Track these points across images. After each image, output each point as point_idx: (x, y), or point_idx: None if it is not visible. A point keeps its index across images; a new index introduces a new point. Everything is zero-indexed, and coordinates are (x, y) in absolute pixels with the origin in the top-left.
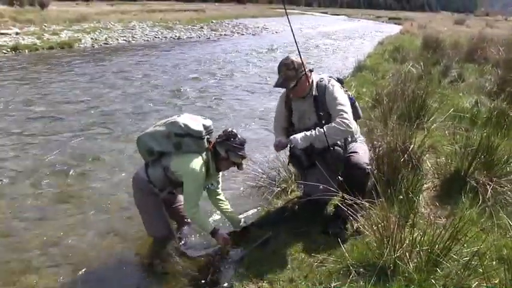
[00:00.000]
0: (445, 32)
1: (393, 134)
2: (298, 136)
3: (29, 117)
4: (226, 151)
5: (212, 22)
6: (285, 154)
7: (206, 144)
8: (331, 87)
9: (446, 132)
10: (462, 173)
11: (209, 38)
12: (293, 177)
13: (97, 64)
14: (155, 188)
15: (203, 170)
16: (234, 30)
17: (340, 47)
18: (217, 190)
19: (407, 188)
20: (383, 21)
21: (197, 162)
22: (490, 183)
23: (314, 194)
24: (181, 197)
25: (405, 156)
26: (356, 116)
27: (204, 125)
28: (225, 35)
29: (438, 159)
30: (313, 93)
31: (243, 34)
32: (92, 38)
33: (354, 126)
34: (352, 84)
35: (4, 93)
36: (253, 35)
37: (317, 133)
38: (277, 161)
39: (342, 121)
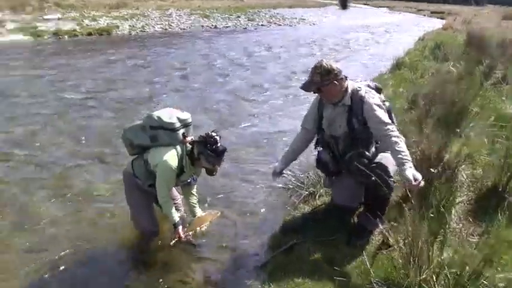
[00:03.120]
0: (491, 28)
1: (428, 141)
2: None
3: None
4: (198, 153)
5: (249, 12)
6: (315, 156)
7: (180, 137)
8: (370, 100)
9: (486, 140)
10: (500, 188)
11: (246, 28)
12: (322, 181)
13: (132, 51)
14: (140, 182)
15: (175, 162)
16: (271, 21)
17: (379, 42)
18: (194, 185)
19: (439, 201)
20: (425, 15)
21: (170, 155)
22: None
23: (341, 202)
24: (177, 193)
25: (439, 166)
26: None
27: (178, 118)
28: (261, 25)
29: (475, 171)
30: (347, 102)
31: (279, 25)
32: (129, 25)
33: None
34: (390, 83)
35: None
36: (290, 26)
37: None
38: (307, 163)
39: (398, 135)
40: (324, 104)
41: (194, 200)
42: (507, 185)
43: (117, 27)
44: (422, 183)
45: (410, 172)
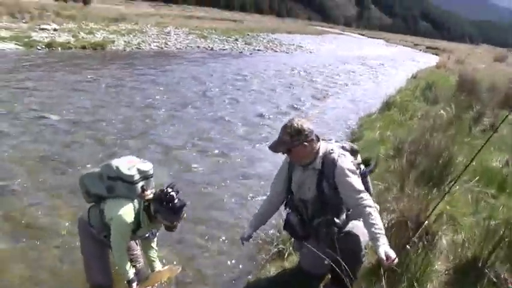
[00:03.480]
0: (483, 70)
1: (409, 200)
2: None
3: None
4: (155, 212)
5: (248, 35)
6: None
7: (139, 190)
8: (343, 164)
9: (470, 197)
10: (480, 262)
11: (241, 52)
12: (292, 240)
13: (122, 69)
14: (94, 231)
15: (131, 217)
16: (268, 46)
17: (373, 76)
18: (154, 238)
19: (413, 274)
20: (420, 50)
21: (125, 209)
22: None
23: (308, 268)
24: (135, 245)
25: (418, 232)
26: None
27: (138, 169)
28: (258, 50)
29: (455, 237)
30: (317, 166)
31: (276, 51)
32: (125, 41)
33: None
34: (378, 125)
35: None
36: (286, 53)
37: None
38: (279, 218)
39: (372, 204)
40: (294, 165)
41: (153, 254)
42: (488, 259)
43: (113, 42)
44: (395, 261)
45: (383, 249)
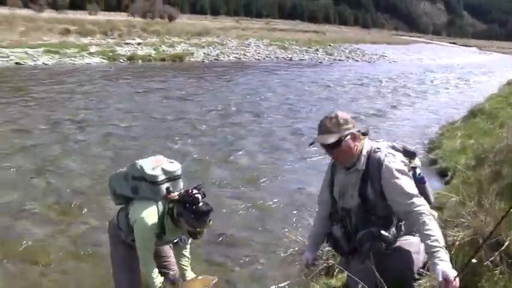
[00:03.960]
0: None
1: (486, 216)
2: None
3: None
4: (177, 215)
5: (330, 45)
6: None
7: (163, 192)
8: (390, 164)
9: None
10: None
11: (321, 62)
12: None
13: (193, 79)
14: (123, 235)
15: (153, 221)
16: (350, 56)
17: (459, 84)
18: (186, 245)
19: None
20: None
21: (148, 212)
22: None
23: (354, 287)
24: (168, 250)
25: (494, 255)
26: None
27: (163, 170)
28: (339, 59)
29: None
30: (361, 166)
31: (357, 61)
32: (204, 53)
33: None
34: (458, 134)
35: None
36: (368, 62)
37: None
38: None
39: (427, 211)
40: (337, 168)
41: (185, 262)
42: None
43: (192, 54)
44: (456, 284)
45: (441, 269)
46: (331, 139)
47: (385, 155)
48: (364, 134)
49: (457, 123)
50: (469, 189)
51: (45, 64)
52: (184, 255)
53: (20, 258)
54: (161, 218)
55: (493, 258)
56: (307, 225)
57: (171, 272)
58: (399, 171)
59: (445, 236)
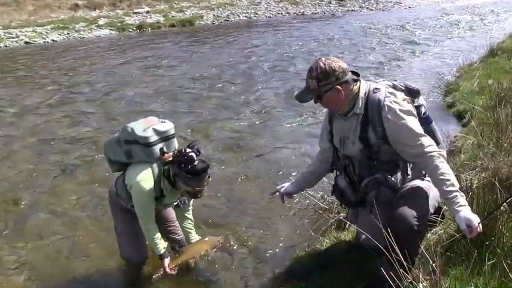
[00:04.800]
0: None
1: (506, 156)
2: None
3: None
4: (173, 176)
5: None
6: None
7: (157, 153)
8: (392, 105)
9: None
10: None
11: (334, 14)
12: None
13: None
14: (123, 202)
15: (150, 184)
16: (364, 5)
17: (479, 25)
18: (187, 207)
19: (503, 248)
20: None
21: (143, 175)
22: None
23: (364, 240)
24: (173, 214)
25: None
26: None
27: (155, 130)
28: (352, 10)
29: None
30: (359, 110)
31: (372, 9)
32: (213, 15)
33: None
34: (476, 74)
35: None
36: (382, 10)
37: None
38: None
39: (436, 152)
40: (334, 115)
41: (188, 224)
42: None
43: (201, 17)
44: (479, 229)
45: (463, 216)
46: (308, 97)
47: (385, 95)
48: (355, 79)
49: (476, 64)
50: (487, 130)
51: (54, 41)
52: (187, 218)
53: (25, 231)
54: (157, 180)
55: (509, 200)
56: None
57: (177, 237)
58: (402, 111)
59: (461, 179)
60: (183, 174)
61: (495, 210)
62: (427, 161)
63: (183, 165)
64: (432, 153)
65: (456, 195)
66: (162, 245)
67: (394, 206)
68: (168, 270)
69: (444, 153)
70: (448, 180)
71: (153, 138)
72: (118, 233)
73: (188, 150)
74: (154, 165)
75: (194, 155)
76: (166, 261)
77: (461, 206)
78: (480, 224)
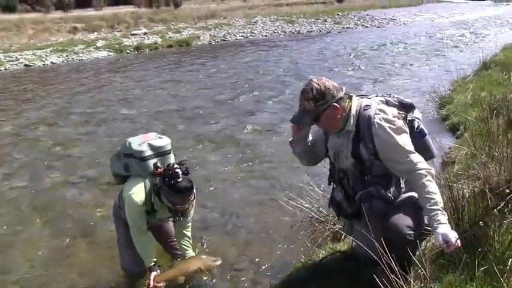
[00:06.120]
0: None
1: (497, 165)
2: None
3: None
4: (158, 188)
5: (338, 14)
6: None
7: (151, 167)
8: (381, 123)
9: None
10: None
11: (329, 32)
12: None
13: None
14: (123, 214)
15: (140, 197)
16: (359, 23)
17: (472, 39)
18: (185, 224)
19: (495, 254)
20: None
21: (136, 189)
22: None
23: (360, 251)
24: (172, 230)
25: (503, 203)
26: (428, 156)
27: (150, 145)
28: (347, 27)
29: None
30: (351, 127)
31: (367, 27)
32: (210, 35)
33: None
34: (469, 87)
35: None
36: (378, 27)
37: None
38: None
39: (423, 169)
40: (329, 131)
41: (185, 242)
42: None
43: (198, 37)
44: (457, 245)
45: (440, 232)
46: (306, 119)
47: (375, 112)
48: (350, 96)
49: (469, 77)
50: (479, 141)
51: (53, 63)
52: (185, 235)
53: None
54: (149, 194)
55: (500, 207)
56: (311, 191)
57: (180, 252)
58: (392, 128)
59: (454, 189)
60: (165, 188)
61: (468, 231)
62: (415, 178)
63: (167, 179)
64: (420, 171)
65: (437, 213)
66: (150, 258)
67: (387, 217)
68: (151, 283)
69: (432, 171)
70: (433, 199)
71: (148, 152)
72: (119, 244)
73: (176, 166)
74: (147, 180)
75: (180, 172)
76: (153, 274)
77: (440, 223)
78: (458, 240)
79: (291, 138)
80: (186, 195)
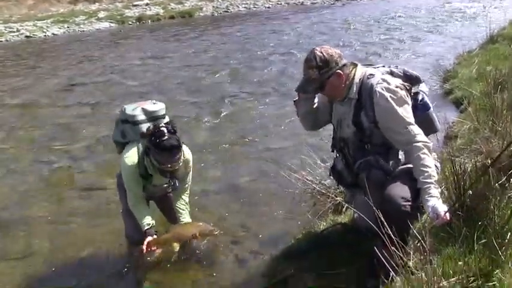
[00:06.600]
0: None
1: (499, 140)
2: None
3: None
4: (146, 149)
5: None
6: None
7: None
8: (383, 92)
9: None
10: None
11: (333, 3)
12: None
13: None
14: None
15: (133, 160)
16: None
17: (482, 12)
18: (182, 189)
19: (495, 228)
20: None
21: (129, 153)
22: None
23: (361, 222)
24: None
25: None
26: (431, 130)
27: (144, 110)
28: None
29: None
30: (353, 94)
31: None
32: (213, 6)
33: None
34: (474, 61)
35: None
36: None
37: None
38: None
39: (420, 141)
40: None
41: (181, 205)
42: None
43: (201, 8)
44: (447, 218)
45: (430, 205)
46: (311, 87)
47: (378, 81)
48: (353, 63)
49: (475, 51)
50: (483, 115)
51: (55, 34)
52: (182, 199)
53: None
54: (141, 157)
55: (501, 181)
56: (313, 164)
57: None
58: (393, 98)
59: (456, 163)
60: (152, 148)
61: (457, 202)
62: (412, 150)
63: (152, 137)
64: (418, 144)
65: (430, 187)
66: (146, 221)
67: (386, 188)
68: (144, 248)
69: (430, 144)
70: (427, 172)
71: (140, 117)
72: (123, 213)
73: (162, 125)
74: (141, 144)
75: (165, 130)
76: (148, 239)
77: (432, 196)
78: (448, 214)
79: (296, 98)
80: (172, 153)
